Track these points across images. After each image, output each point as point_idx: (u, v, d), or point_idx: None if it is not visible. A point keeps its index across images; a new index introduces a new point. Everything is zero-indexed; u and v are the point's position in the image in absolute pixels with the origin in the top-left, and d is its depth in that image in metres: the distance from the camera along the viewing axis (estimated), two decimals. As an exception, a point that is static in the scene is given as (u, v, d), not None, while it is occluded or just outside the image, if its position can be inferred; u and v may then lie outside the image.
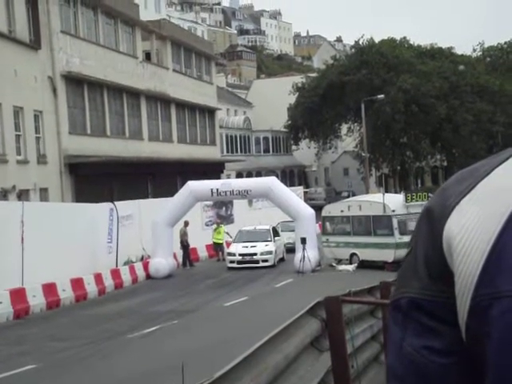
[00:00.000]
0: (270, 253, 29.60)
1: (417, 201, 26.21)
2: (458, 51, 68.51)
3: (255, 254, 29.44)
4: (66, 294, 21.83)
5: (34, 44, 31.97)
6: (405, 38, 65.30)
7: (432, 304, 0.99)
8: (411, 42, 65.54)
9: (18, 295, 19.69)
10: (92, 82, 36.62)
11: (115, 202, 28.23)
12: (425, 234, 1.02)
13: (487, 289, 0.93)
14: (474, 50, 71.37)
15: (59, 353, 14.48)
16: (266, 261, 29.40)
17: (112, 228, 27.09)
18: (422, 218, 1.04)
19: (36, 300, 20.35)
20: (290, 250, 30.21)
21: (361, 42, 62.61)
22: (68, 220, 24.26)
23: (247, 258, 29.35)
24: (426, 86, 56.42)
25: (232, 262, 29.52)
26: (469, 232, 0.96)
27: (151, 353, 13.78)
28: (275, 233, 31.34)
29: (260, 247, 29.64)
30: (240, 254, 29.43)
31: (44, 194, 31.43)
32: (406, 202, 26.75)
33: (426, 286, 1.00)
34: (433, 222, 1.01)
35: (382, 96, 51.52)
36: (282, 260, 30.86)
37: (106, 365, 13.01)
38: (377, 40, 62.61)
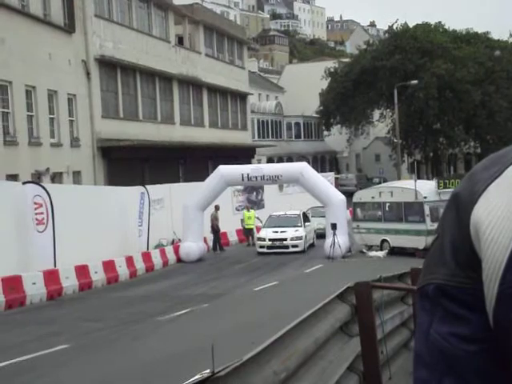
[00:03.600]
0: (299, 238, 29.60)
1: (449, 187, 25.91)
2: (495, 36, 67.42)
3: (285, 240, 29.46)
4: (97, 276, 22.09)
5: (69, 28, 32.20)
6: (440, 22, 64.45)
7: (459, 291, 0.98)
8: (446, 27, 64.65)
9: (51, 276, 19.99)
10: (125, 66, 36.81)
11: (146, 186, 28.44)
12: (452, 220, 1.01)
13: None
14: (511, 35, 70.06)
15: (90, 334, 14.68)
16: (295, 246, 29.42)
17: (142, 211, 27.29)
18: (449, 203, 1.03)
19: (69, 281, 20.64)
20: (321, 235, 30.17)
21: (394, 27, 61.93)
22: (100, 203, 24.50)
23: (277, 243, 29.38)
24: (460, 71, 55.66)
25: (262, 246, 29.59)
26: (497, 218, 0.95)
27: (181, 335, 13.91)
28: (305, 218, 31.30)
29: (290, 232, 29.65)
30: (270, 239, 29.48)
31: (77, 177, 31.78)
32: (439, 188, 26.52)
33: (453, 272, 0.99)
34: (460, 208, 1.00)
35: (416, 82, 50.99)
36: (311, 246, 30.85)
37: (136, 346, 13.17)
38: (411, 25, 61.94)
